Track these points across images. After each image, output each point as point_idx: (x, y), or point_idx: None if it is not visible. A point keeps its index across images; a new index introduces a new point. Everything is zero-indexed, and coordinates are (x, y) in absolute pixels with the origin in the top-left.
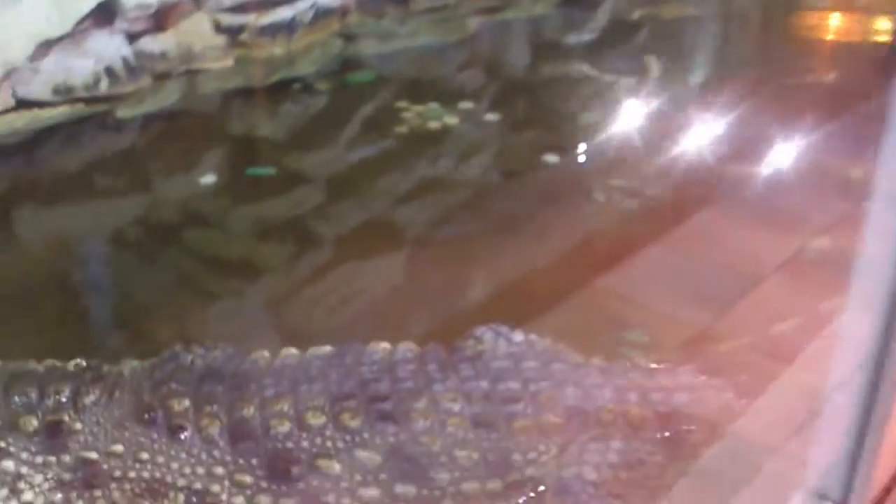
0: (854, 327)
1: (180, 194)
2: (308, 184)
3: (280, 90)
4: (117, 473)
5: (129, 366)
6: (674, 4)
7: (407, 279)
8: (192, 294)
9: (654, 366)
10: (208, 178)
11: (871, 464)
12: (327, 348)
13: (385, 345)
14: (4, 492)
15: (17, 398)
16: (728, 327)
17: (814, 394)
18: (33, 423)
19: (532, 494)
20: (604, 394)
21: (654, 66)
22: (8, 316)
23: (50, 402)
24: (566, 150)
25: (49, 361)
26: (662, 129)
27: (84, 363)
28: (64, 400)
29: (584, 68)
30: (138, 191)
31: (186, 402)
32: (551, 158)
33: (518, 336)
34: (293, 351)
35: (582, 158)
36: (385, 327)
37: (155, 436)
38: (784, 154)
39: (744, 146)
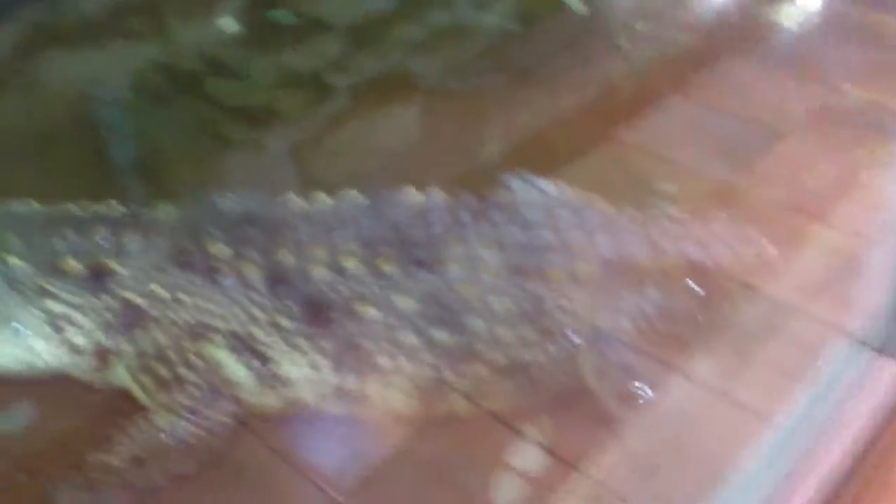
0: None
1: (199, 39)
2: (327, 31)
3: None
4: (159, 315)
5: (165, 210)
6: None
7: (427, 129)
8: (212, 141)
9: (686, 217)
10: (227, 23)
11: None
12: (360, 195)
13: (415, 191)
14: (48, 330)
15: (57, 240)
16: (755, 181)
17: (847, 248)
18: (74, 265)
19: (564, 343)
20: (638, 244)
21: None
22: (29, 159)
23: (91, 245)
24: None
25: (85, 203)
26: None
27: (120, 207)
28: (104, 243)
29: None
30: (157, 36)
31: (223, 246)
32: (574, 4)
33: (548, 185)
34: (325, 196)
35: (606, 3)
36: (405, 177)
37: (195, 279)
38: (813, 3)
39: None
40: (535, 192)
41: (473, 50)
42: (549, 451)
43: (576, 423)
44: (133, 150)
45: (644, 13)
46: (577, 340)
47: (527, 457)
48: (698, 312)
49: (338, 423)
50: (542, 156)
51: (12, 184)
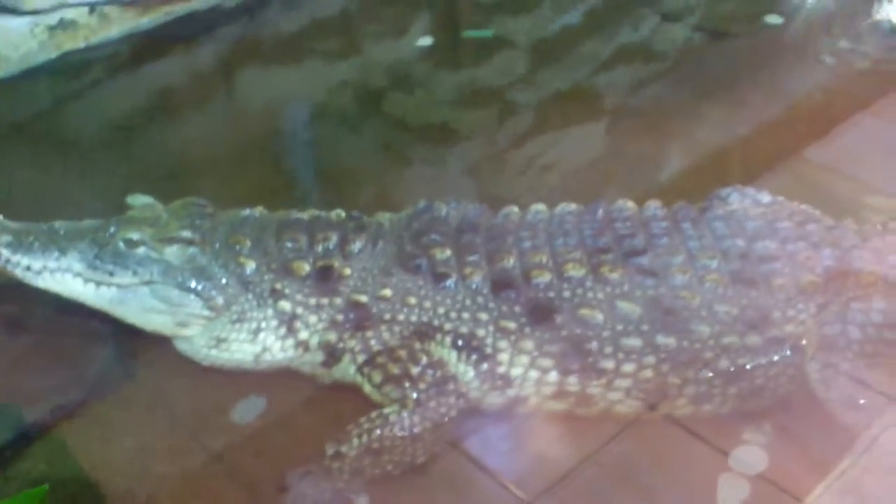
0: None
1: (389, 57)
2: (512, 49)
3: None
4: (387, 316)
5: (386, 217)
6: None
7: (610, 146)
8: (394, 158)
9: None
10: (422, 41)
11: None
12: (573, 205)
13: (631, 203)
14: (283, 330)
15: (288, 244)
16: None
17: None
18: (305, 267)
19: (789, 352)
20: (862, 255)
21: None
22: (225, 167)
23: (319, 249)
24: (787, 9)
25: (312, 211)
26: None
27: (344, 213)
28: (332, 247)
29: None
30: (349, 54)
31: (448, 252)
32: (773, 20)
33: (766, 197)
34: (541, 207)
35: (805, 18)
36: (589, 194)
37: (421, 282)
38: None
39: None
40: (751, 204)
41: (659, 67)
42: (770, 455)
43: (799, 429)
44: (314, 163)
45: (844, 29)
46: (805, 349)
47: (747, 460)
48: None
49: (545, 422)
50: (725, 173)
51: (219, 192)
